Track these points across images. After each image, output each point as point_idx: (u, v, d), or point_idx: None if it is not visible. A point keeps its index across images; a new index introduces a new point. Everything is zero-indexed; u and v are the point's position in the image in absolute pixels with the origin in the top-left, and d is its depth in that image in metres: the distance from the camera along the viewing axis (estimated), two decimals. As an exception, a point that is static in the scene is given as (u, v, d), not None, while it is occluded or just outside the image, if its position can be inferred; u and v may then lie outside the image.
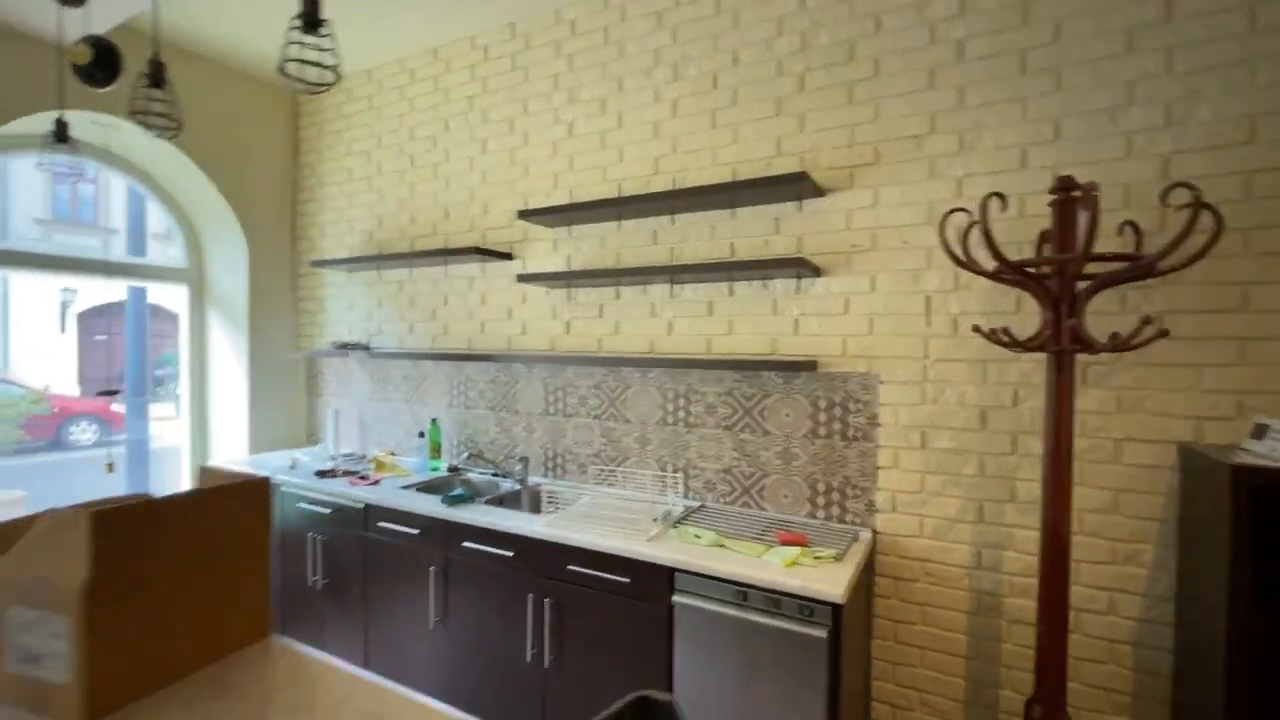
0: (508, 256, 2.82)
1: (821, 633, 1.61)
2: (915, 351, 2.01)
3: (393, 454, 3.13)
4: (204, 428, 3.55)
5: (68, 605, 0.92)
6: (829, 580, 1.65)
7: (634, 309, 2.52)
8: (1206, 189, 1.60)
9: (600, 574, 1.95)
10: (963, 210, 1.71)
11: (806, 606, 1.65)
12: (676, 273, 2.29)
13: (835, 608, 1.62)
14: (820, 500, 2.16)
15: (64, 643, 0.93)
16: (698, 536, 1.95)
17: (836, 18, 2.10)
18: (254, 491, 1.16)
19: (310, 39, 1.37)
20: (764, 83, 2.23)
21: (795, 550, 1.81)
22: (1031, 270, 1.51)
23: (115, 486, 3.35)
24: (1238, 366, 1.62)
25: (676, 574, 1.84)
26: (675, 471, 2.42)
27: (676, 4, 2.39)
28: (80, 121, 2.77)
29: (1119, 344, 1.43)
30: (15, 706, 0.95)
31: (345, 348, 3.20)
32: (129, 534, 0.97)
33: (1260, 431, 1.43)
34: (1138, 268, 1.40)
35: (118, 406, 9.11)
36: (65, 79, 2.33)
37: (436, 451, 2.93)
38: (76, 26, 2.31)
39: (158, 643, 1.01)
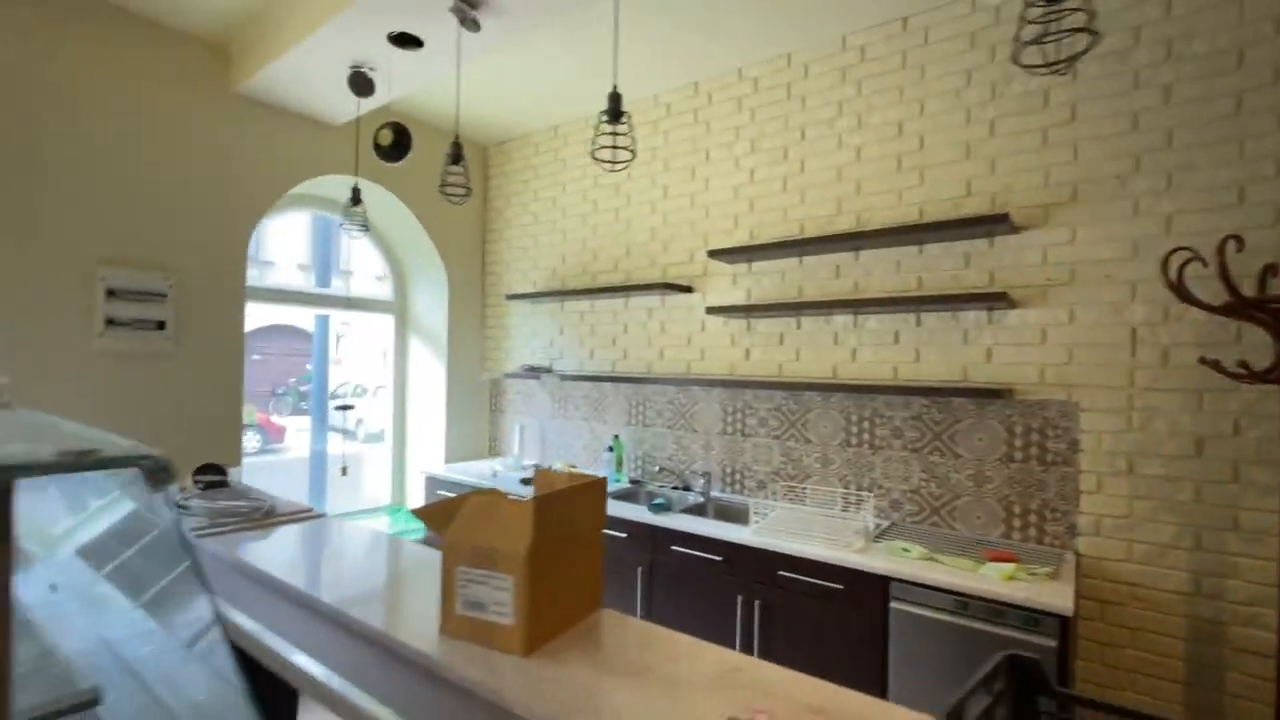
0: (688, 290, 3.11)
1: (1052, 642, 1.72)
2: (1119, 381, 2.08)
3: (573, 466, 3.48)
4: (403, 440, 4.07)
5: (514, 567, 1.24)
6: (1053, 594, 1.77)
7: (816, 337, 2.73)
8: None
9: (812, 580, 2.15)
10: (1185, 249, 1.80)
11: (1031, 617, 1.76)
12: (861, 306, 2.49)
13: (1063, 620, 1.73)
14: (1016, 522, 2.26)
15: (508, 594, 1.24)
16: (906, 550, 2.11)
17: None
18: (599, 488, 1.46)
19: (610, 128, 1.71)
20: (952, 129, 2.41)
21: (1009, 566, 1.93)
22: (1272, 305, 1.59)
23: (344, 485, 3.90)
24: None
25: (893, 583, 2.00)
26: (861, 490, 2.58)
27: (862, 60, 2.62)
28: (338, 184, 3.35)
29: (1372, 377, 1.49)
30: (468, 641, 1.28)
31: (533, 370, 3.61)
32: (552, 516, 1.28)
33: None
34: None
35: (276, 419, 10.27)
36: (359, 152, 2.87)
37: (619, 465, 3.25)
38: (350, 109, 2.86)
39: (556, 600, 1.32)
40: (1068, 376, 2.17)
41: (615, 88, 1.73)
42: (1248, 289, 1.78)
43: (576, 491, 1.38)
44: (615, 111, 1.68)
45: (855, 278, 2.63)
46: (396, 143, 2.45)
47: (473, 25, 2.15)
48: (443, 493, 3.40)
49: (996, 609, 1.82)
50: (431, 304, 3.97)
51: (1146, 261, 2.03)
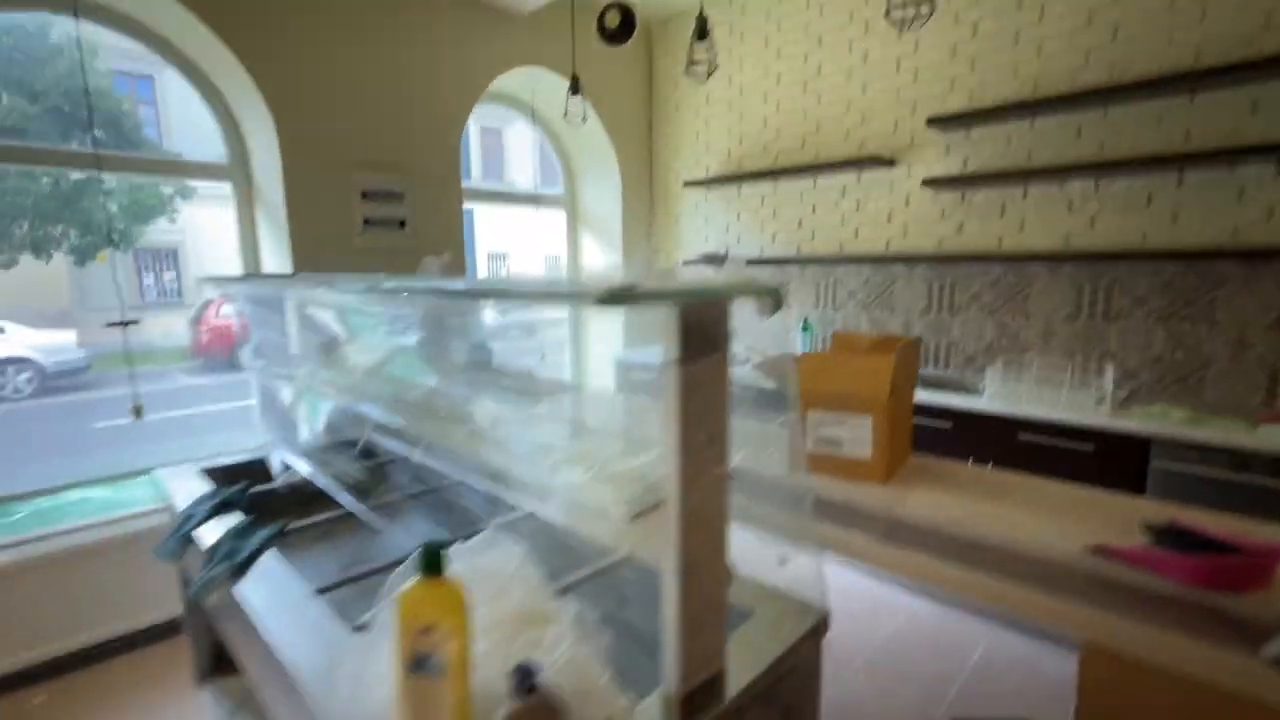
0: (890, 163, 3.01)
1: (1354, 497, 1.73)
2: None
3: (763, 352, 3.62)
4: (578, 331, 4.34)
5: (875, 408, 1.38)
6: (1355, 452, 1.74)
7: (1046, 206, 2.61)
8: None
9: (1057, 443, 2.21)
10: None
11: (1326, 475, 1.76)
12: (1106, 170, 2.34)
13: (1367, 476, 1.72)
14: (1281, 389, 2.18)
15: (868, 432, 1.40)
16: (1164, 413, 2.11)
17: None
18: (918, 346, 1.56)
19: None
20: (1252, -50, 2.10)
21: (1294, 427, 1.90)
22: None
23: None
24: None
25: (1154, 443, 2.03)
26: (1089, 362, 2.55)
27: (1132, -125, 2.28)
28: (510, 80, 3.41)
29: None
30: (823, 474, 1.46)
31: (710, 258, 3.69)
32: (899, 366, 1.41)
33: None
34: None
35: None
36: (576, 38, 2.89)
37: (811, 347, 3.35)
38: None
39: (896, 440, 1.47)
40: (1374, 231, 1.99)
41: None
42: None
43: (909, 347, 1.49)
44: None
45: (1101, 138, 2.45)
46: (624, 23, 2.44)
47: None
48: (636, 375, 3.66)
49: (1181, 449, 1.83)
50: (602, 195, 4.06)
51: None
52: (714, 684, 0.80)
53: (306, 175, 2.65)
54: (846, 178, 3.21)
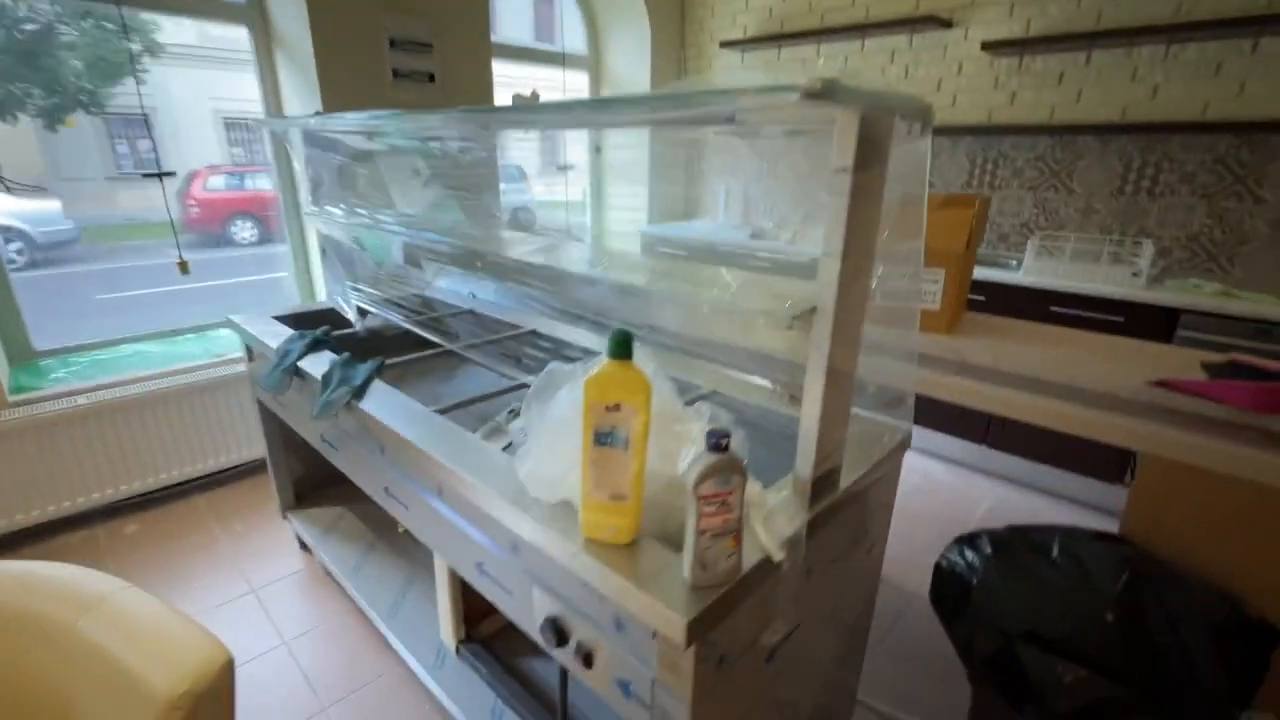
0: (947, 24, 2.85)
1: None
2: None
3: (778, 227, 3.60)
4: (600, 202, 4.26)
5: (947, 263, 1.44)
6: (1377, 321, 1.84)
7: (1108, 74, 2.51)
8: None
9: (1088, 314, 2.30)
10: None
11: (1345, 342, 1.87)
12: (1179, 32, 2.25)
13: (1384, 343, 1.83)
14: (1312, 266, 2.25)
15: (939, 285, 1.46)
16: (1198, 286, 2.19)
17: None
18: (987, 205, 1.58)
19: None
20: None
21: (1322, 299, 1.98)
22: None
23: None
24: None
25: (1182, 315, 2.13)
26: (1126, 238, 2.58)
27: None
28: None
29: None
30: (891, 327, 1.54)
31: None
32: (975, 221, 1.44)
33: None
34: None
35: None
36: None
37: (842, 221, 3.33)
38: None
39: (959, 295, 1.54)
40: None
41: None
42: None
43: (984, 204, 1.52)
44: None
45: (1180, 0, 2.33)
46: None
47: None
48: (664, 250, 3.66)
49: (1197, 318, 1.94)
50: (630, 58, 3.84)
51: None
52: (832, 475, 0.91)
53: (334, 17, 2.48)
54: (898, 40, 3.04)
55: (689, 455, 0.91)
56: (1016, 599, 0.98)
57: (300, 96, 2.62)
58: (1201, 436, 1.01)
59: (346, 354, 1.39)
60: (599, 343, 1.57)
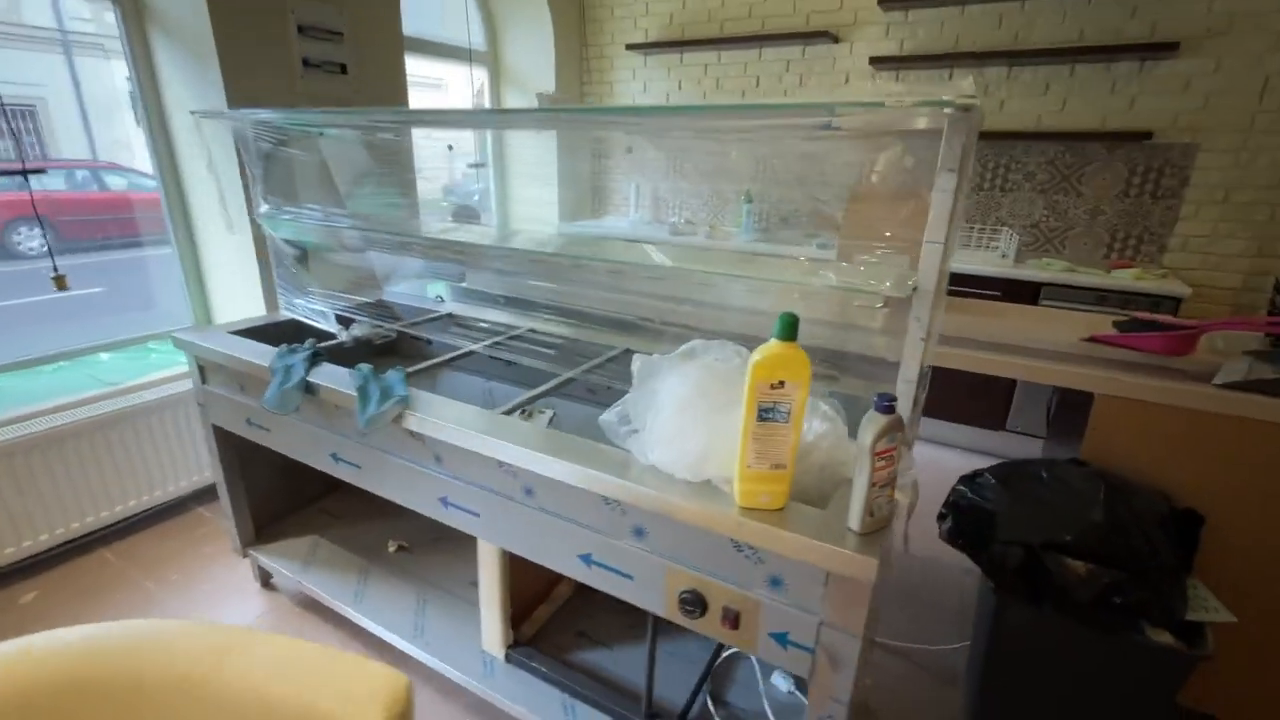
0: (834, 39, 3.21)
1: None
2: (1241, 124, 2.56)
3: (692, 222, 3.82)
4: (505, 202, 4.19)
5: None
6: (1171, 286, 2.43)
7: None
8: None
9: (972, 290, 2.75)
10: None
11: (1155, 301, 2.44)
12: (1017, 58, 2.77)
13: (1178, 300, 2.42)
14: (1117, 246, 2.88)
15: (905, 269, 1.70)
16: (1049, 264, 2.71)
17: None
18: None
19: None
20: None
21: (1134, 269, 2.57)
22: None
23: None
24: None
25: (1044, 287, 2.63)
26: (987, 228, 3.11)
27: None
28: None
29: None
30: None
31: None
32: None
33: None
34: None
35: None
36: None
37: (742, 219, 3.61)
38: None
39: (916, 279, 1.80)
40: (1197, 122, 2.63)
41: None
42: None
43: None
44: None
45: (1017, 29, 2.84)
46: None
47: None
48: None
49: (1128, 297, 2.49)
50: (531, 56, 3.82)
51: (1300, 14, 2.38)
52: (909, 428, 1.07)
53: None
54: (792, 51, 3.36)
55: (812, 426, 1.02)
56: (1031, 518, 1.22)
57: (189, 86, 2.31)
58: (1129, 376, 1.32)
59: (368, 366, 1.32)
60: (609, 337, 1.62)
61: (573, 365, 1.52)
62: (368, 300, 1.95)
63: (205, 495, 2.36)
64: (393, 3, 2.78)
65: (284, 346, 1.44)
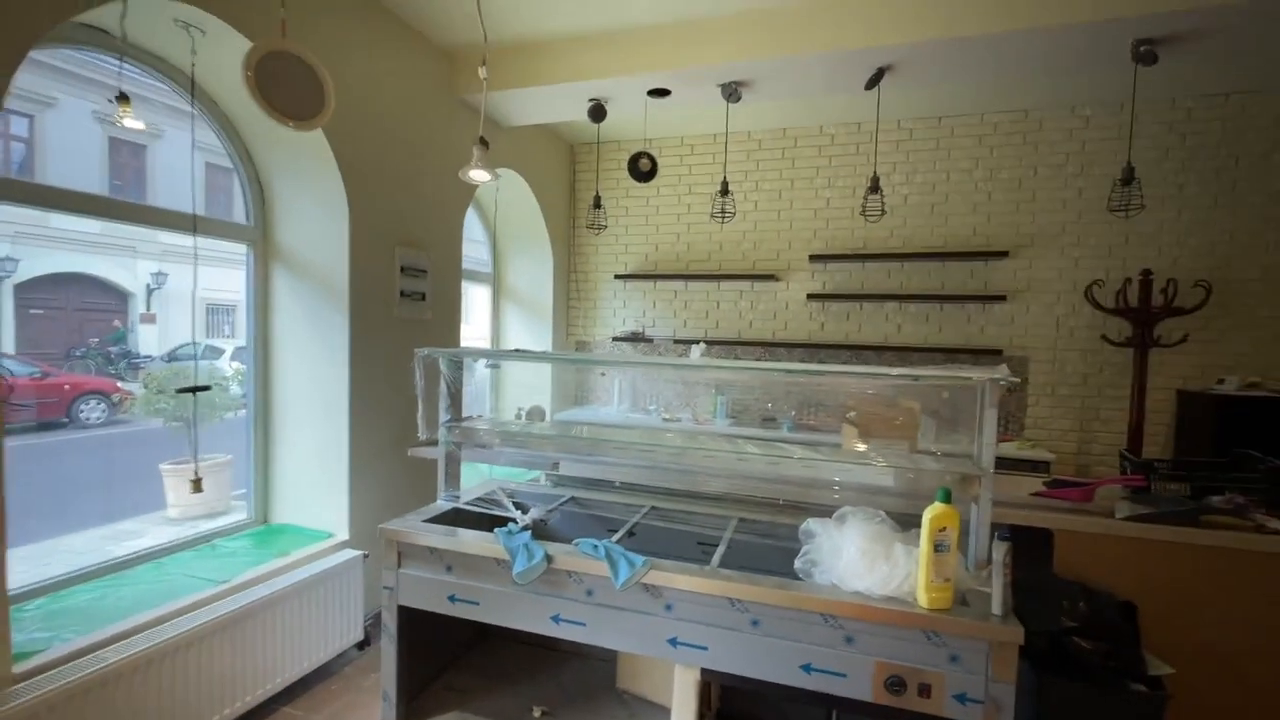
0: (774, 279, 4.37)
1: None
2: (1049, 344, 3.89)
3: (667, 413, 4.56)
4: (499, 395, 4.71)
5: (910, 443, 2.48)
6: (1043, 454, 3.48)
7: (874, 316, 4.20)
8: (1193, 275, 3.60)
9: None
10: (1099, 281, 3.59)
11: (1034, 464, 3.46)
12: (905, 299, 4.03)
13: (1048, 464, 3.45)
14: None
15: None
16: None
17: (1014, 167, 3.91)
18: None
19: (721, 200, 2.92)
20: (966, 194, 4.00)
21: (1014, 442, 3.62)
22: (1129, 309, 3.42)
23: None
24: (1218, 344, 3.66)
25: (958, 457, 3.58)
26: (901, 412, 4.13)
27: (910, 137, 4.08)
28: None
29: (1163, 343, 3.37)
30: (882, 477, 2.50)
31: (635, 336, 4.56)
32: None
33: (1218, 381, 3.45)
34: (1166, 310, 3.34)
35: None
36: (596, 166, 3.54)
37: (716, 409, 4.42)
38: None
39: (908, 457, 2.59)
40: (1025, 342, 3.93)
41: (725, 180, 2.88)
42: (1107, 302, 3.63)
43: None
44: (724, 189, 2.89)
45: (902, 279, 4.14)
46: (652, 169, 3.27)
47: (735, 98, 3.13)
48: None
49: (1015, 462, 3.49)
50: (530, 279, 4.63)
51: (1065, 282, 3.83)
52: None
53: (367, 250, 2.79)
54: (744, 285, 4.47)
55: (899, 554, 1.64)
56: (1040, 613, 1.87)
57: (303, 304, 2.76)
58: (1070, 516, 2.12)
59: (604, 541, 1.75)
60: (707, 507, 2.16)
61: (713, 530, 2.04)
62: (486, 493, 2.35)
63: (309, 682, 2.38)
64: (457, 246, 3.48)
65: (502, 530, 1.83)
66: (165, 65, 2.33)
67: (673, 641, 1.66)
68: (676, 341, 4.54)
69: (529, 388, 4.66)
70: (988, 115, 3.94)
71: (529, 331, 4.67)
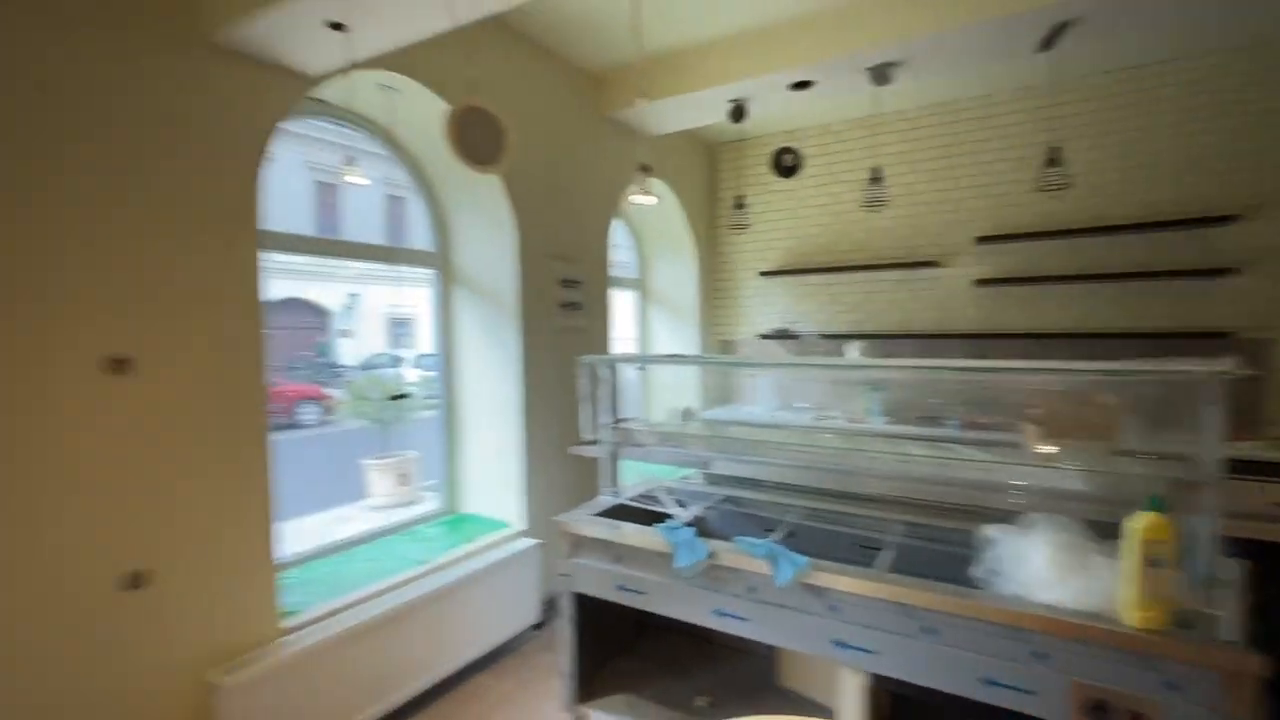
0: (934, 265, 4.06)
1: None
2: (1299, 323, 3.21)
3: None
4: (647, 391, 4.88)
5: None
6: (1291, 455, 2.89)
7: (1056, 300, 3.74)
8: None
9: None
10: None
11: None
12: (1096, 279, 3.54)
13: None
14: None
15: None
16: (1171, 439, 3.20)
17: (1237, 114, 3.29)
18: (1095, 397, 2.43)
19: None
20: (1179, 151, 3.42)
21: (1253, 442, 3.04)
22: None
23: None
24: None
25: (1173, 459, 3.08)
26: (1095, 407, 3.65)
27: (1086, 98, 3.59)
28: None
29: None
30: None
31: (781, 333, 4.50)
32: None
33: None
34: None
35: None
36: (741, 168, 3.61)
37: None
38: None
39: (1106, 458, 2.29)
40: (1266, 323, 3.28)
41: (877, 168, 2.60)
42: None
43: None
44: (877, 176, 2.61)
45: (1090, 257, 3.65)
46: (795, 164, 3.24)
47: (884, 81, 2.97)
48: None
49: (1260, 465, 2.93)
50: (675, 279, 4.75)
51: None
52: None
53: (532, 266, 3.07)
54: (900, 273, 4.21)
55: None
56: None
57: (479, 318, 3.10)
58: None
59: (765, 539, 1.78)
60: (864, 509, 2.06)
61: (874, 533, 1.98)
62: (646, 490, 2.47)
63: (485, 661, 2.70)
64: (604, 257, 3.68)
65: (663, 524, 1.93)
66: (357, 116, 2.75)
67: (839, 643, 1.65)
68: (825, 337, 4.40)
69: (674, 388, 4.78)
70: (1195, 58, 3.34)
71: (673, 333, 4.79)
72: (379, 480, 5.65)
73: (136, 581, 1.77)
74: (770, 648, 2.11)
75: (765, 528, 2.07)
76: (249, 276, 2.03)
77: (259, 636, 2.05)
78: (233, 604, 2.00)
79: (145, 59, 1.77)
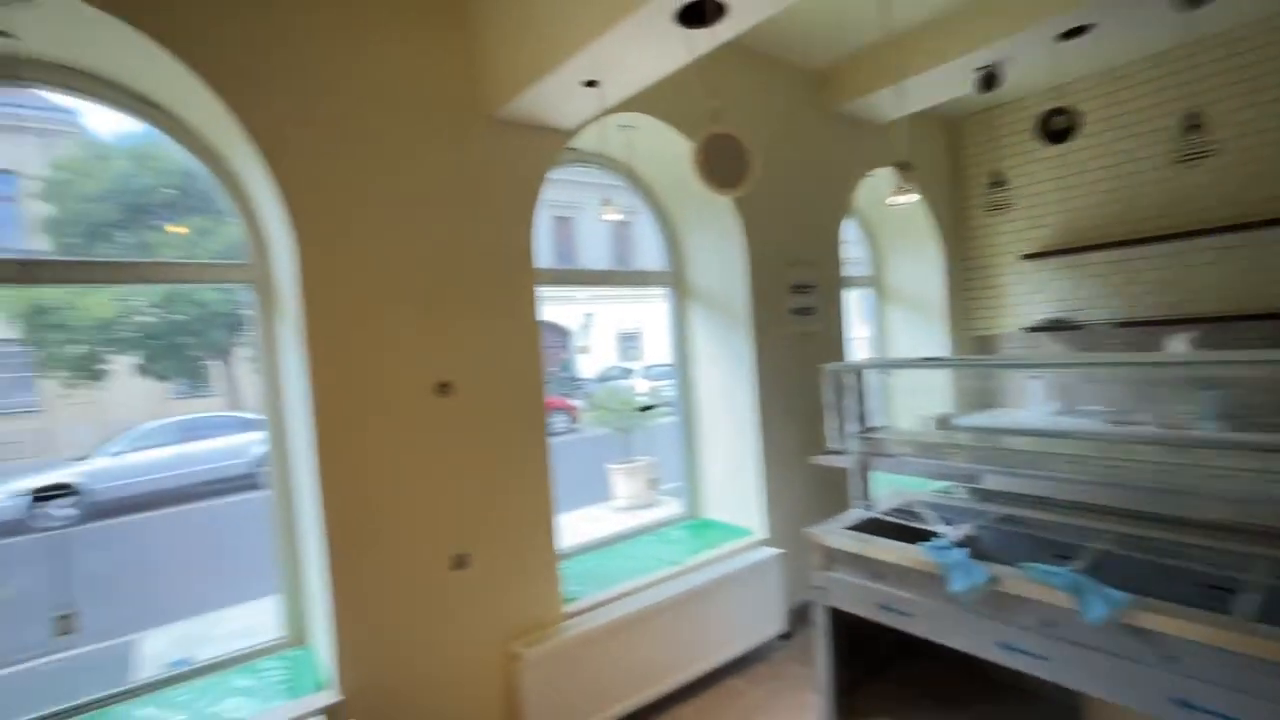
0: (1285, 224, 3.09)
1: None
2: None
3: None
4: (888, 395, 4.52)
5: None
6: None
7: None
8: None
9: None
10: None
11: None
12: None
13: None
14: None
15: None
16: None
17: None
18: None
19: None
20: None
21: None
22: None
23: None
24: None
25: None
26: None
27: None
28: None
29: None
30: None
31: (1056, 324, 3.82)
32: None
33: None
34: None
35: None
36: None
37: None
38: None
39: None
40: None
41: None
42: None
43: None
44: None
45: None
46: (1070, 126, 2.77)
47: (1196, 2, 2.37)
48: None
49: None
50: (915, 274, 4.34)
51: None
52: None
53: (762, 275, 3.09)
54: (1228, 239, 3.30)
55: None
56: None
57: (712, 330, 3.20)
58: None
59: (1068, 570, 1.54)
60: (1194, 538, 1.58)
61: (1223, 570, 1.56)
62: (902, 504, 2.28)
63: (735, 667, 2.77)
64: (835, 258, 3.52)
65: (929, 543, 1.77)
66: (603, 158, 3.03)
67: (1182, 702, 1.34)
68: (1119, 325, 3.63)
69: (919, 391, 4.36)
70: None
71: (915, 331, 4.38)
72: (622, 483, 6.16)
73: (461, 563, 2.18)
74: (1071, 694, 1.80)
75: (1058, 554, 1.77)
76: (529, 309, 2.38)
77: (548, 618, 2.37)
78: (527, 587, 2.35)
79: (446, 132, 2.21)
